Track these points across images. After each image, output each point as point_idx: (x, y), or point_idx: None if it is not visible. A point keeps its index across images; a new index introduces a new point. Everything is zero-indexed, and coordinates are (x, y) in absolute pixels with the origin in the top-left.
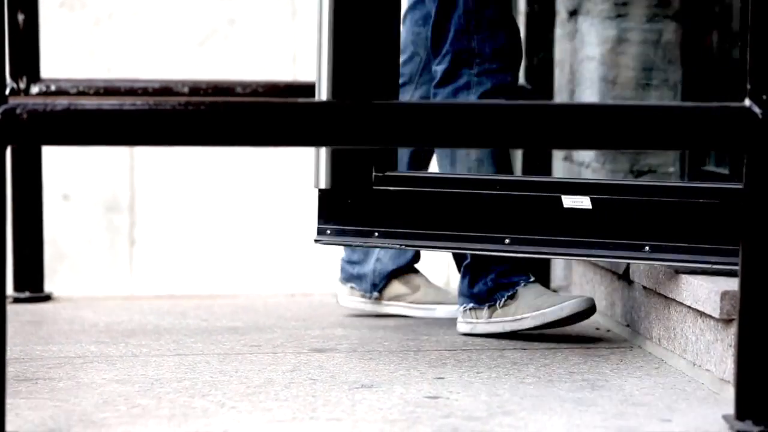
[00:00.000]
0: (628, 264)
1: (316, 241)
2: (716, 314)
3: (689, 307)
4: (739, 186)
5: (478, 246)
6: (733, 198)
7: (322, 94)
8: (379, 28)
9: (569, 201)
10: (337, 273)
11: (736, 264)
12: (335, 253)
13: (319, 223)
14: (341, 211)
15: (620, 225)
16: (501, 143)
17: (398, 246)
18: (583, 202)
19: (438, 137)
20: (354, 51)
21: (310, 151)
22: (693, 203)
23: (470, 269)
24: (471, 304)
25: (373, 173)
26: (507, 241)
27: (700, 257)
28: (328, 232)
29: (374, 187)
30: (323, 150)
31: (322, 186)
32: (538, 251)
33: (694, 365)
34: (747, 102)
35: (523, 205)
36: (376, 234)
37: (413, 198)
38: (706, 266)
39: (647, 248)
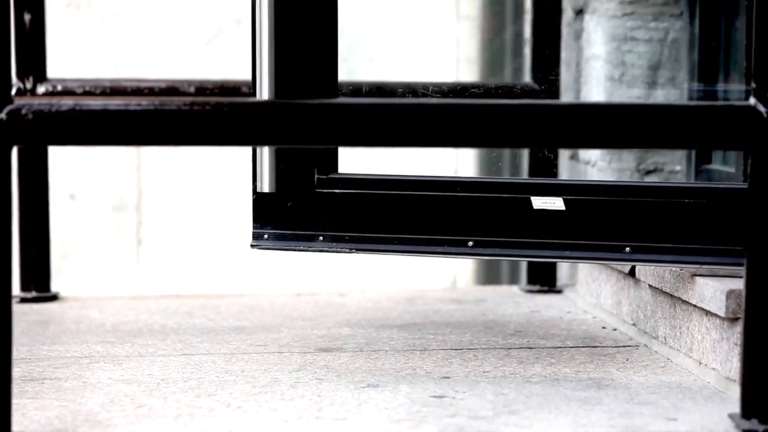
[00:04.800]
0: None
1: (252, 246)
2: (722, 313)
3: (695, 305)
4: (721, 186)
5: (439, 249)
6: (737, 198)
7: (263, 93)
8: (319, 26)
9: (540, 202)
10: (344, 273)
11: (719, 264)
12: (341, 254)
13: (255, 228)
14: (280, 215)
15: (599, 226)
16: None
17: (347, 251)
18: (555, 203)
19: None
20: (294, 50)
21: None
22: (673, 203)
23: None
24: None
25: (316, 175)
26: (470, 243)
27: (687, 257)
28: (266, 236)
29: (317, 190)
30: (265, 153)
31: (266, 189)
32: (505, 253)
33: (700, 364)
34: (752, 101)
35: (488, 207)
36: (321, 238)
37: (362, 200)
38: (695, 267)
39: (628, 249)
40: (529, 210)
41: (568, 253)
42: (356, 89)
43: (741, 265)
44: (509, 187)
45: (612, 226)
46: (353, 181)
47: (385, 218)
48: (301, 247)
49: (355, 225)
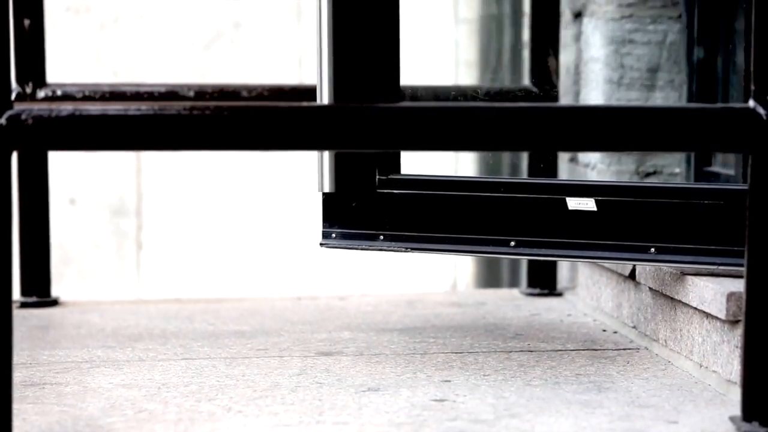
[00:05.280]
0: (635, 265)
1: (321, 244)
2: (722, 316)
3: (695, 308)
4: (740, 188)
5: (483, 249)
6: (740, 199)
7: (324, 97)
8: (379, 29)
9: (574, 203)
10: (343, 276)
11: (742, 265)
12: (341, 257)
13: (324, 227)
14: (346, 215)
15: (625, 227)
16: (509, 147)
17: (403, 249)
18: (588, 204)
19: (442, 141)
20: (355, 53)
21: (315, 154)
22: (699, 204)
23: None
24: None
25: (377, 176)
26: (512, 243)
27: (706, 258)
28: (333, 235)
29: (378, 190)
30: (326, 154)
31: (327, 190)
32: (543, 254)
33: (700, 367)
34: (751, 103)
35: (528, 208)
36: (381, 237)
37: (416, 201)
38: (712, 267)
39: (653, 250)
40: (563, 210)
41: (600, 254)
42: None
43: None
44: (547, 188)
45: (638, 227)
46: (410, 181)
47: (435, 218)
48: (364, 246)
49: (410, 224)
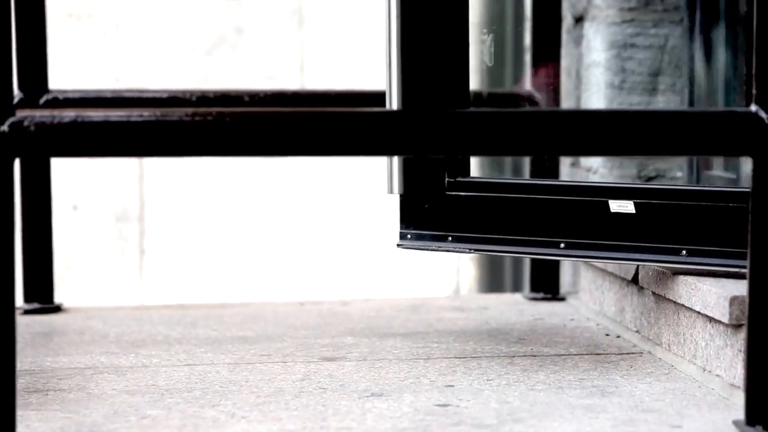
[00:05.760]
0: (637, 269)
1: (398, 245)
2: (725, 319)
3: (698, 312)
4: None
5: (536, 251)
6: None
7: (393, 102)
8: (448, 34)
9: (616, 205)
10: (346, 281)
11: None
12: (343, 262)
13: (401, 228)
14: (419, 216)
15: (660, 229)
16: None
17: (468, 250)
18: (628, 207)
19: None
20: (423, 59)
21: (316, 159)
22: (728, 207)
23: None
24: None
25: (446, 179)
26: (562, 245)
27: (736, 261)
28: (409, 236)
29: (447, 193)
30: (395, 158)
31: (396, 192)
32: (589, 255)
33: (704, 370)
34: (753, 107)
35: (575, 210)
36: (450, 239)
37: (481, 203)
38: (743, 270)
39: (684, 252)
40: (606, 213)
41: (637, 256)
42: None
43: None
44: (590, 191)
45: (671, 230)
46: (476, 184)
47: (496, 220)
48: (434, 247)
49: (473, 226)
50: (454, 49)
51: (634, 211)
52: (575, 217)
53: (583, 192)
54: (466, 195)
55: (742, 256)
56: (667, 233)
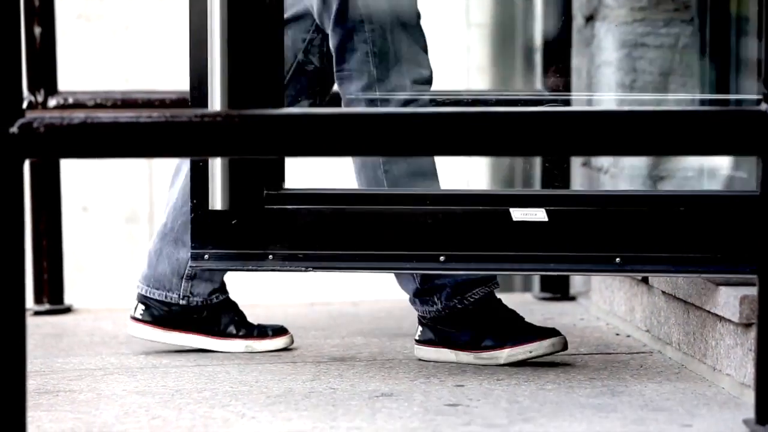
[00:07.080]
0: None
1: (191, 267)
2: (736, 319)
3: (708, 311)
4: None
5: (408, 265)
6: (706, 205)
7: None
8: (267, 38)
9: (520, 214)
10: (356, 282)
11: (706, 272)
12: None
13: (193, 248)
14: (223, 234)
15: (583, 237)
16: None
17: (303, 269)
18: (537, 215)
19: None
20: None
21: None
22: (663, 212)
23: None
24: None
25: (265, 191)
26: (442, 258)
27: (671, 267)
28: (206, 257)
29: (266, 206)
30: (218, 170)
31: (218, 207)
32: (482, 267)
33: (714, 370)
34: (763, 106)
35: (462, 220)
36: (271, 257)
37: (316, 217)
38: (677, 276)
39: (618, 260)
40: (507, 222)
41: (553, 266)
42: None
43: None
44: (486, 199)
45: (599, 237)
46: (302, 196)
47: (342, 234)
48: (251, 267)
49: (308, 242)
50: (272, 51)
51: (546, 219)
52: (461, 228)
53: (471, 201)
54: (291, 208)
55: (679, 262)
56: (593, 241)
